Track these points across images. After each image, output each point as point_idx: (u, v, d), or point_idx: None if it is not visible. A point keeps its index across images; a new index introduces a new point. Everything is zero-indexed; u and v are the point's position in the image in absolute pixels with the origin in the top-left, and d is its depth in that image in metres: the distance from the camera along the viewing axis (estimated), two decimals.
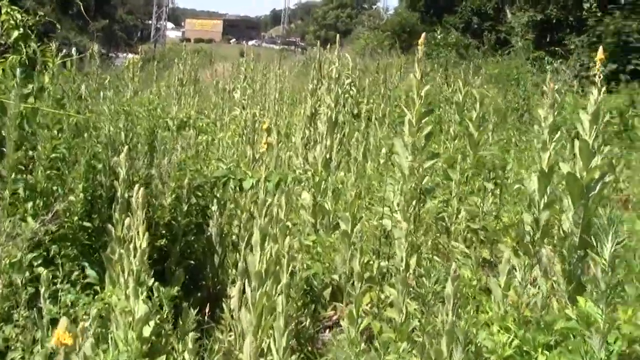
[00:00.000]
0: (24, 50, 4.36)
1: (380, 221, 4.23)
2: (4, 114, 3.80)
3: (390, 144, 5.09)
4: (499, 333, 2.65)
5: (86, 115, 4.30)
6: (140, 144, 4.41)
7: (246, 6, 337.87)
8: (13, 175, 3.69)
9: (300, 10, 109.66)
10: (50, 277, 3.16)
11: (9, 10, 4.42)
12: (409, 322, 3.09)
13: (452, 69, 14.72)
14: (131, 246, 3.03)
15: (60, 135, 4.00)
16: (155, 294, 3.14)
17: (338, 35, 6.95)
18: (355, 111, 9.30)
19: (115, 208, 3.43)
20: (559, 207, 3.60)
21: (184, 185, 4.22)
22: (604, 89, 3.47)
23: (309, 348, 3.75)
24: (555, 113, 3.69)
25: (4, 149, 3.73)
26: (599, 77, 3.45)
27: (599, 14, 17.63)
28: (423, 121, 4.36)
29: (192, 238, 4.34)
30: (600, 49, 3.48)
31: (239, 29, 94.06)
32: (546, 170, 3.63)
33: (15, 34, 4.40)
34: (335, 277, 4.31)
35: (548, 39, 22.01)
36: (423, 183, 4.23)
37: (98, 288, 3.50)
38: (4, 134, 3.76)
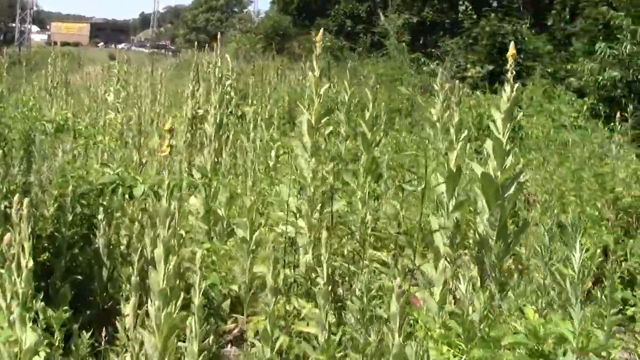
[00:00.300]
0: None
1: (283, 227, 4.03)
2: None
3: (290, 145, 4.94)
4: (448, 352, 2.50)
5: None
6: (15, 148, 3.99)
7: (114, 10, 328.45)
8: None
9: (169, 14, 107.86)
10: None
11: None
12: (333, 340, 2.89)
13: (329, 71, 14.79)
14: (13, 265, 2.67)
15: None
16: (42, 316, 2.81)
17: (220, 34, 6.77)
18: (240, 113, 9.11)
19: None
20: (473, 209, 3.48)
21: (67, 193, 3.85)
22: (516, 85, 3.41)
23: None
24: (456, 112, 3.65)
25: None
26: (512, 73, 3.36)
27: (474, 17, 18.28)
28: (322, 121, 4.24)
29: (78, 251, 3.97)
30: (512, 44, 3.43)
31: (106, 32, 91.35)
32: (454, 171, 3.49)
33: None
34: (234, 287, 4.09)
35: (422, 41, 22.71)
36: (328, 186, 4.10)
37: None
38: None
